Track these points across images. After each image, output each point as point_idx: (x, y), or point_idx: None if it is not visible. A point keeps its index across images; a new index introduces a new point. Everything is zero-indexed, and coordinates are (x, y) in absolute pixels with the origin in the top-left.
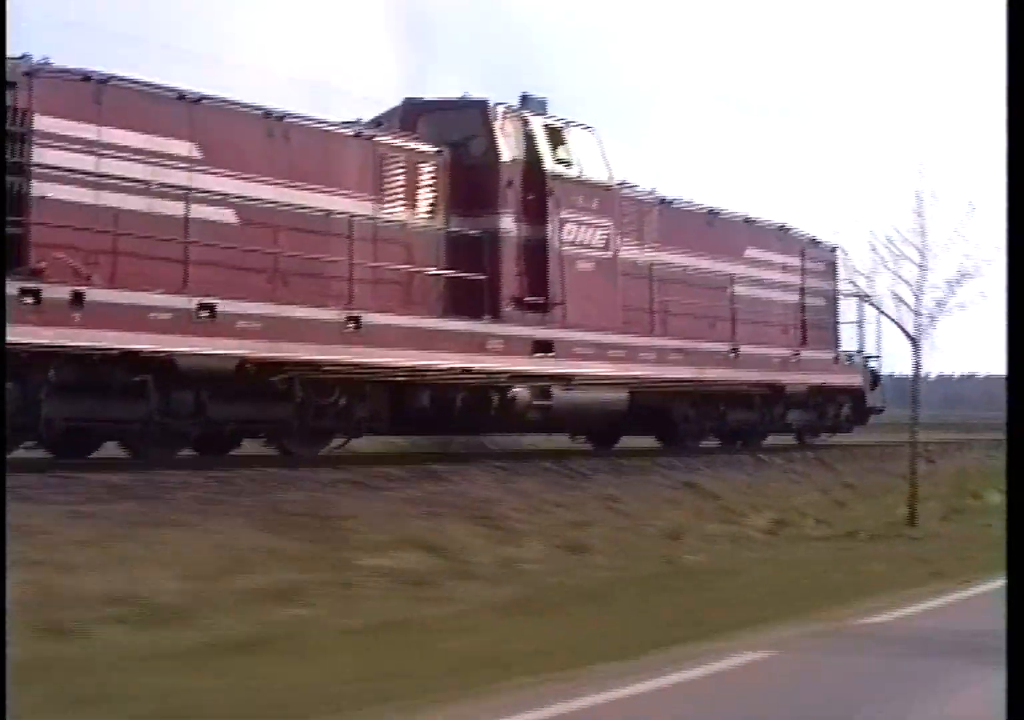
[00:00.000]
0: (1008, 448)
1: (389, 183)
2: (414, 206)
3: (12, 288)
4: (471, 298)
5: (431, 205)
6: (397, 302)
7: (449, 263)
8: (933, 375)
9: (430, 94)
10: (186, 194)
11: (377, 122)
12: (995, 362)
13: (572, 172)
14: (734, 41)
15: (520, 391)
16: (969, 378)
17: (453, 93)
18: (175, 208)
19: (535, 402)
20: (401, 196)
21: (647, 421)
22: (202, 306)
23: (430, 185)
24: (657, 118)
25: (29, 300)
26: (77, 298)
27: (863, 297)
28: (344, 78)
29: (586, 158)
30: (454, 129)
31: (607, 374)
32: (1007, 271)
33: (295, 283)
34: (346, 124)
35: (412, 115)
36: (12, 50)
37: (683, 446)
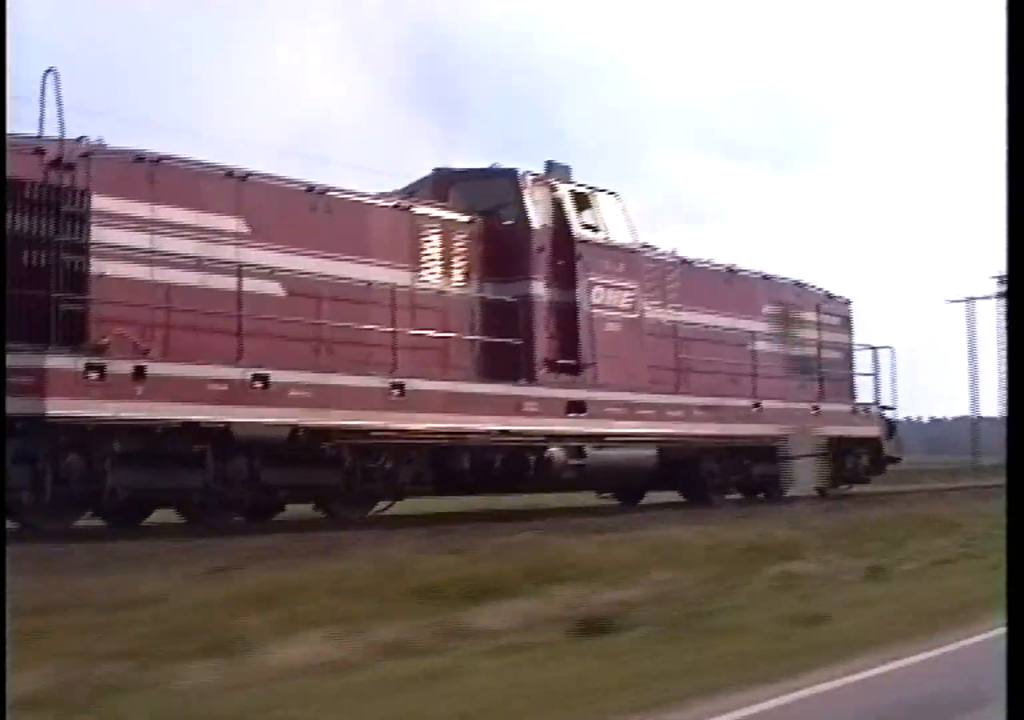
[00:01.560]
0: (1008, 457)
1: (425, 252)
2: (449, 273)
3: (78, 364)
4: (506, 361)
5: (465, 272)
6: (435, 367)
7: (484, 328)
8: (925, 418)
9: (458, 164)
10: (238, 269)
11: (410, 191)
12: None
13: (599, 236)
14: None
15: (556, 451)
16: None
17: (477, 163)
18: (226, 282)
19: (570, 461)
20: (437, 264)
21: (674, 476)
22: (256, 376)
23: (464, 252)
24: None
25: (94, 375)
26: (139, 372)
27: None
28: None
29: (611, 222)
30: (485, 197)
31: (637, 432)
32: (1007, 271)
33: (339, 351)
34: (382, 195)
35: (443, 184)
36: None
37: (708, 500)
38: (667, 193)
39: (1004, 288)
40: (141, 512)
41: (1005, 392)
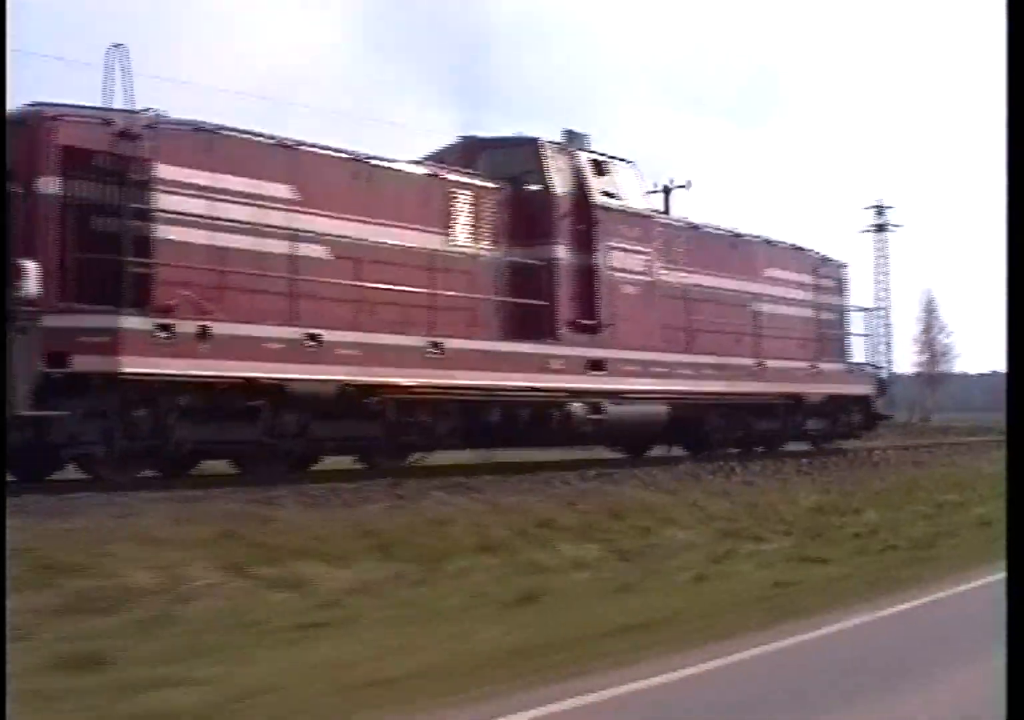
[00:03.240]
0: (1008, 448)
1: (457, 217)
2: (478, 237)
3: (148, 324)
4: (530, 322)
5: (493, 236)
6: (466, 327)
7: (510, 290)
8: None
9: (484, 132)
10: (293, 234)
11: (439, 158)
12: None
13: (616, 203)
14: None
15: (577, 406)
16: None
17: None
18: (279, 246)
19: (589, 416)
20: (467, 229)
21: (681, 431)
22: (309, 336)
23: (491, 217)
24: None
25: (163, 334)
26: (203, 332)
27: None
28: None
29: (627, 190)
30: (510, 165)
31: (651, 389)
32: (1007, 271)
33: (380, 312)
34: (417, 163)
35: (471, 151)
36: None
37: (712, 453)
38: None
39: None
40: (190, 464)
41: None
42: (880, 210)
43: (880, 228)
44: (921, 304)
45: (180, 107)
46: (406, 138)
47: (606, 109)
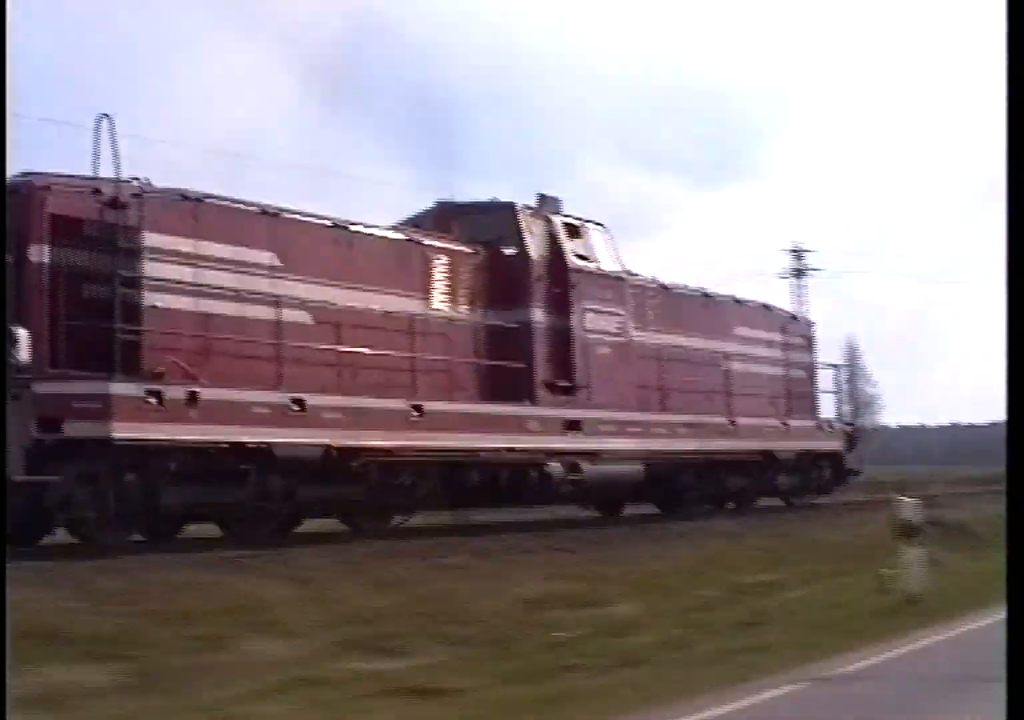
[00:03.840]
0: (1008, 456)
1: (435, 281)
2: (456, 301)
3: (138, 390)
4: (508, 383)
5: (470, 300)
6: (445, 390)
7: (488, 352)
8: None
9: (460, 197)
10: (277, 300)
11: (415, 223)
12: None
13: (590, 265)
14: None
15: (555, 466)
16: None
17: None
18: (263, 312)
19: (568, 476)
20: (446, 293)
21: (655, 489)
22: (294, 400)
23: (469, 281)
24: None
25: (153, 400)
26: (192, 397)
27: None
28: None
29: (600, 252)
30: (485, 229)
31: (628, 448)
32: (1007, 270)
33: (362, 376)
34: (395, 228)
35: (446, 216)
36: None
37: (686, 511)
38: (597, 206)
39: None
40: (175, 529)
41: None
42: (798, 254)
43: (799, 273)
44: (843, 351)
45: (143, 164)
46: (364, 193)
47: (563, 165)
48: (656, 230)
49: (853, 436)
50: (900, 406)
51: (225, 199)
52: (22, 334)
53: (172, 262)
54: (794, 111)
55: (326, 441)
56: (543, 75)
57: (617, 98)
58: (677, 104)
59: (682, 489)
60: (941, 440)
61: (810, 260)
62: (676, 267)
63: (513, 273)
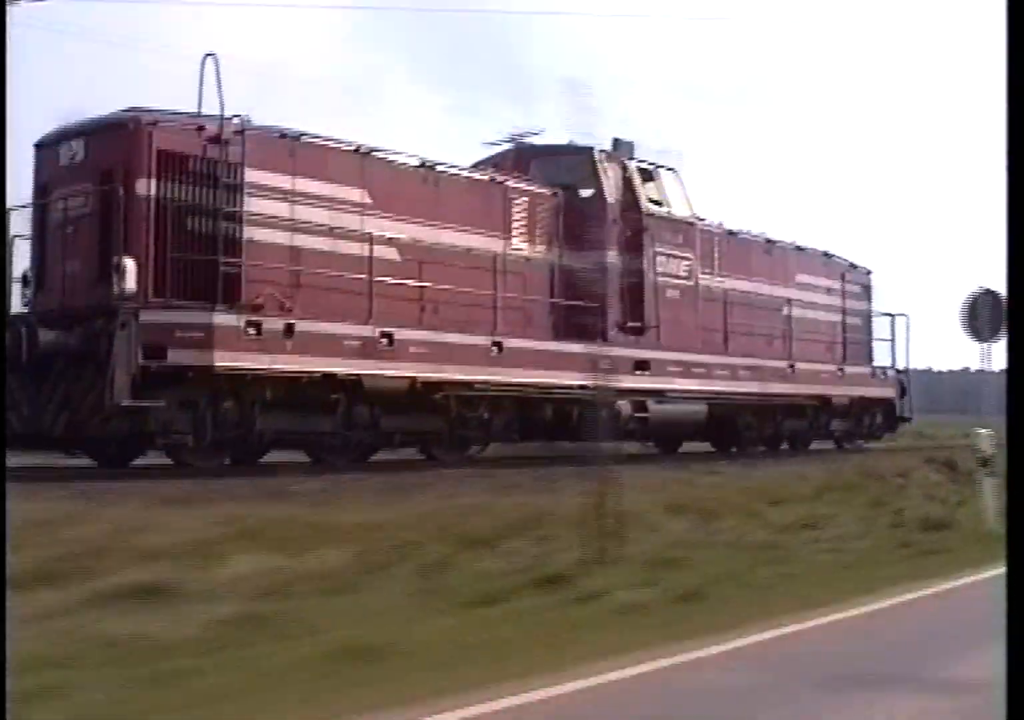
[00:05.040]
0: (1008, 446)
1: (515, 222)
2: (534, 242)
3: (239, 321)
4: (582, 323)
5: (547, 241)
6: (523, 327)
7: (562, 292)
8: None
9: (538, 140)
10: (370, 237)
11: (494, 164)
12: None
13: (662, 210)
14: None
15: (624, 404)
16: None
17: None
18: (354, 248)
19: (635, 414)
20: (524, 233)
21: (716, 429)
22: (383, 334)
23: (547, 223)
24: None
25: (252, 331)
26: (289, 329)
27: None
28: None
29: (672, 197)
30: (564, 172)
31: (692, 389)
32: (1007, 270)
33: (444, 311)
34: (477, 169)
35: (525, 158)
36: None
37: (742, 451)
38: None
39: None
40: (260, 452)
41: None
42: None
43: None
44: None
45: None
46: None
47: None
48: None
49: (904, 384)
50: None
51: (320, 137)
52: (129, 264)
53: (270, 198)
54: None
55: (412, 374)
56: None
57: None
58: None
59: (741, 429)
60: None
61: None
62: None
63: (589, 216)
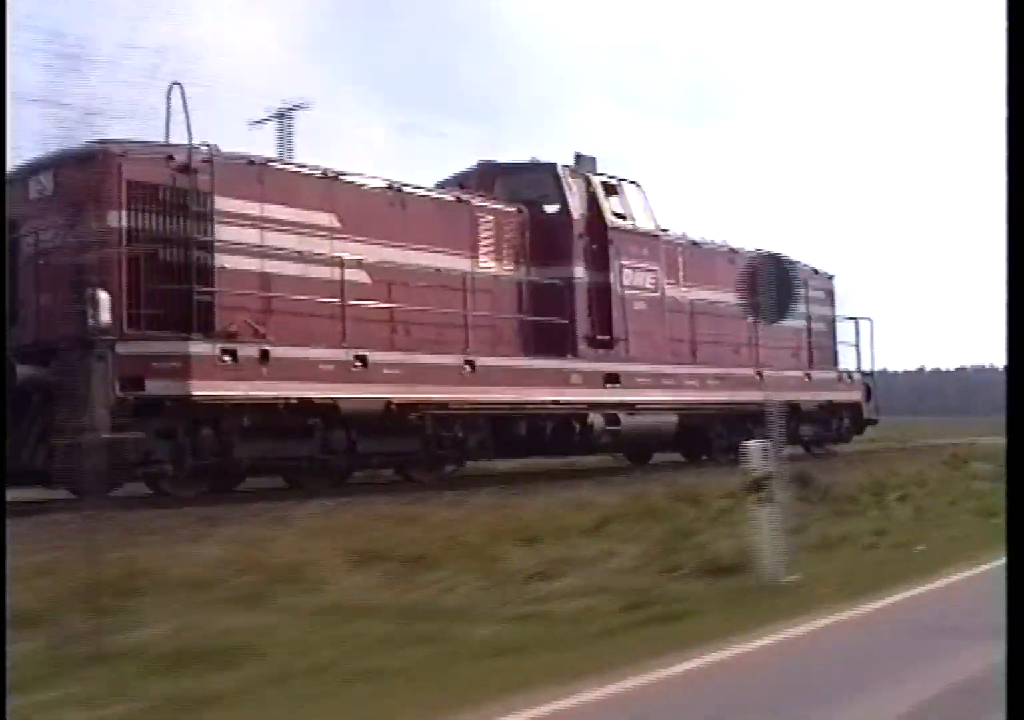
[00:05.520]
0: (1008, 446)
1: (482, 240)
2: (501, 259)
3: (214, 349)
4: (551, 338)
5: (514, 257)
6: (494, 345)
7: (531, 308)
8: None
9: (502, 157)
10: (340, 261)
11: (459, 183)
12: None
13: (627, 224)
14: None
15: (596, 418)
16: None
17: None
18: (324, 272)
19: (607, 427)
20: (492, 251)
21: (686, 440)
22: (357, 357)
23: (513, 239)
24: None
25: (228, 359)
26: (264, 355)
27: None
28: None
29: (636, 210)
30: (529, 189)
31: (662, 400)
32: (1007, 270)
33: (415, 332)
34: (443, 189)
35: (489, 176)
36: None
37: (713, 460)
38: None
39: None
40: (237, 479)
41: None
42: None
43: None
44: None
45: None
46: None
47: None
48: None
49: (870, 387)
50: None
51: (287, 163)
52: (103, 296)
53: (240, 225)
54: None
55: (387, 396)
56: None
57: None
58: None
59: (712, 438)
60: (905, 386)
61: None
62: None
63: (555, 231)
